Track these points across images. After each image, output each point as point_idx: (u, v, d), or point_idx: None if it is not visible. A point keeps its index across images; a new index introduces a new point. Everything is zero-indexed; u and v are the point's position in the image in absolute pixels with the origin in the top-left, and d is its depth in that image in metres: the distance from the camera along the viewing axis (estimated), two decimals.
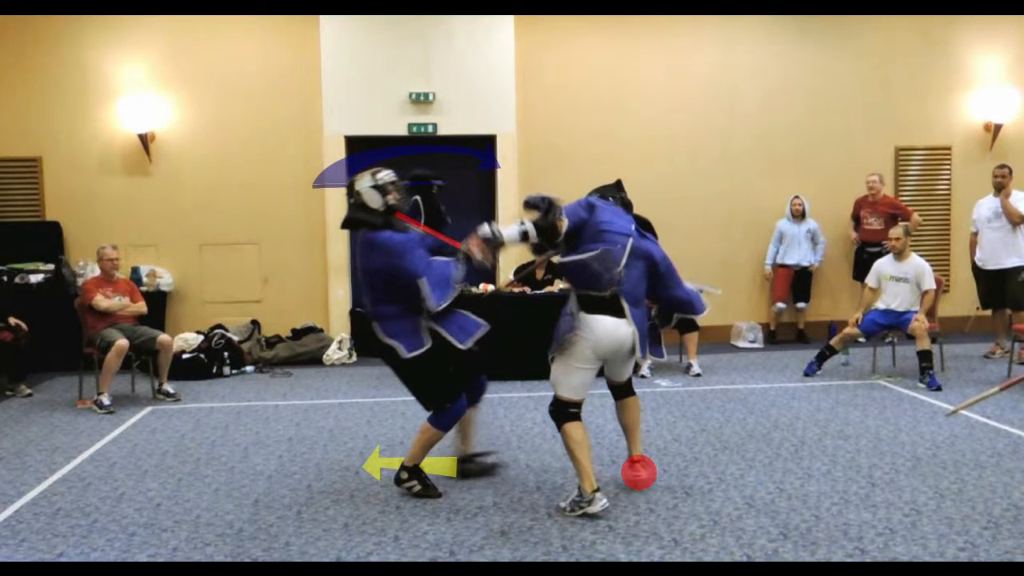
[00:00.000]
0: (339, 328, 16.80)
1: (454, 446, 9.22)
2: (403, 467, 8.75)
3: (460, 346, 8.55)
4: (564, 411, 8.21)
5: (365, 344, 16.43)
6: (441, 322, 8.57)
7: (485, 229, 8.16)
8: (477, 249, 8.16)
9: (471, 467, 9.34)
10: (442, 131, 16.67)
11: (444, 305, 8.37)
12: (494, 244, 8.17)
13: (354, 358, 16.35)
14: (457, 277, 8.47)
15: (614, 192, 8.89)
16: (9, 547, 7.54)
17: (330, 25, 16.42)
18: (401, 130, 16.62)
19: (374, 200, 8.56)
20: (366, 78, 16.52)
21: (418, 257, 8.41)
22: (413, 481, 8.66)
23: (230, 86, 16.78)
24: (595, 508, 7.94)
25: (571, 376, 8.23)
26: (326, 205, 16.15)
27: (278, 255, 16.82)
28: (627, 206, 8.85)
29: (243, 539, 7.62)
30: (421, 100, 16.52)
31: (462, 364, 8.74)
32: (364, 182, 8.66)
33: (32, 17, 16.23)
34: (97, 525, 8.02)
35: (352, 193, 8.70)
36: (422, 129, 16.60)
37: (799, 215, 17.38)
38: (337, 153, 16.41)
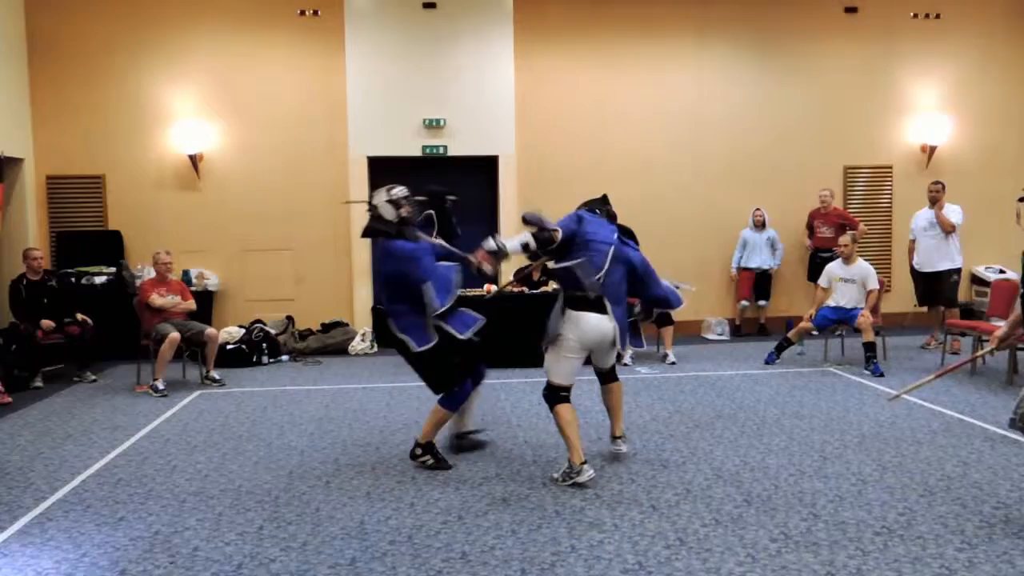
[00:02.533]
0: (362, 322, 16.74)
1: (452, 423, 9.21)
2: (417, 443, 8.76)
3: (460, 337, 8.58)
4: (556, 394, 8.30)
5: (384, 337, 16.49)
6: (445, 318, 8.58)
7: (491, 244, 8.25)
8: (486, 262, 8.30)
9: (465, 442, 9.39)
10: (452, 152, 16.67)
11: (446, 307, 8.41)
12: (499, 256, 8.32)
13: (375, 349, 16.31)
14: (458, 282, 8.53)
15: (600, 205, 8.99)
16: (76, 512, 7.58)
17: (354, 59, 16.43)
18: (416, 151, 16.63)
19: (388, 212, 8.64)
20: (385, 105, 16.51)
21: (426, 264, 8.47)
22: (427, 456, 8.68)
23: (268, 113, 16.75)
24: (583, 478, 8.01)
25: (561, 364, 8.32)
26: (351, 216, 16.07)
27: (309, 259, 16.80)
28: (611, 217, 8.95)
29: (279, 505, 7.65)
30: (433, 125, 16.52)
31: (465, 353, 8.76)
32: (380, 196, 8.73)
33: (97, 51, 16.32)
34: (153, 493, 8.05)
35: (371, 206, 8.75)
36: (434, 151, 16.61)
37: (760, 224, 17.40)
38: (360, 171, 16.41)
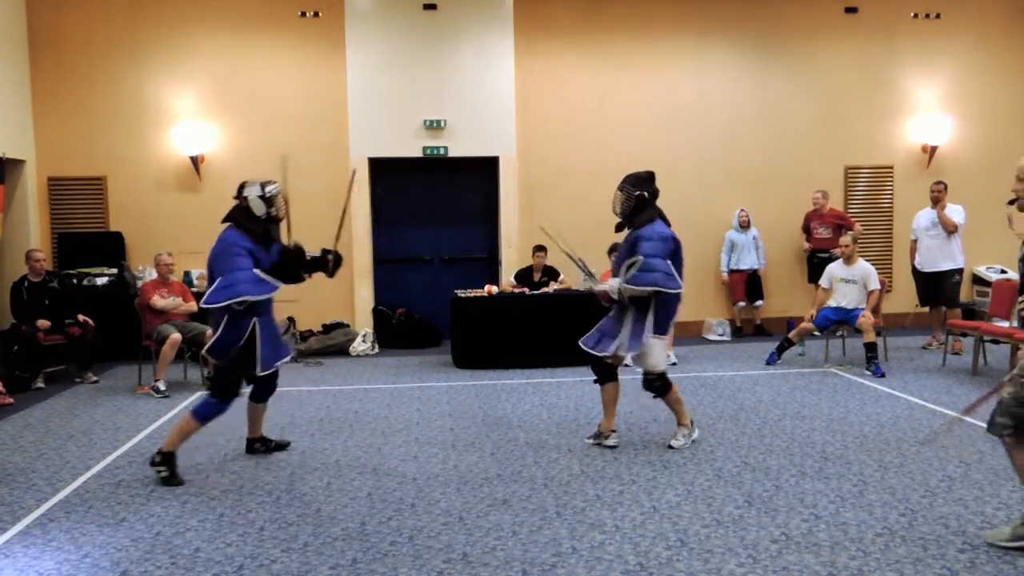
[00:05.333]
0: (363, 323, 16.82)
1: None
2: (160, 451, 8.62)
3: (258, 369, 8.58)
4: (665, 379, 9.15)
5: (386, 337, 16.53)
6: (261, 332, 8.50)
7: (613, 287, 8.92)
8: (603, 299, 9.06)
9: (259, 446, 9.42)
10: (452, 153, 16.74)
11: (212, 306, 8.15)
12: (614, 295, 8.92)
13: (376, 350, 16.41)
14: (246, 292, 8.15)
15: (651, 186, 9.29)
16: (78, 513, 7.57)
17: (355, 60, 16.49)
18: (417, 152, 16.69)
19: (259, 208, 8.44)
20: (386, 106, 16.57)
21: (235, 258, 8.25)
22: (164, 467, 8.44)
23: (269, 114, 16.77)
24: (696, 434, 9.45)
25: (664, 353, 9.19)
26: (352, 218, 16.09)
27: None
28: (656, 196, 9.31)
29: (280, 506, 7.65)
30: (434, 126, 16.58)
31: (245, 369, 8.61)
32: (253, 191, 8.53)
33: (97, 53, 16.35)
34: (155, 494, 8.04)
35: (240, 197, 8.57)
36: (435, 151, 16.66)
37: (745, 225, 17.47)
38: (361, 173, 16.38)
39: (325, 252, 8.91)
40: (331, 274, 8.91)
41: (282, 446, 9.49)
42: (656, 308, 8.93)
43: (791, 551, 6.44)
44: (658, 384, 9.16)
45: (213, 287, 8.15)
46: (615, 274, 9.19)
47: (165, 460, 8.41)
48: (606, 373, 9.38)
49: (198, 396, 12.36)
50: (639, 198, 9.07)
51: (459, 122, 16.72)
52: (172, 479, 8.35)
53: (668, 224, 9.17)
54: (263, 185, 8.49)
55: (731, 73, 18.03)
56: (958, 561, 6.20)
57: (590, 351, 9.24)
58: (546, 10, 17.33)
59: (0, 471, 8.92)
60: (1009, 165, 7.58)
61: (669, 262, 8.88)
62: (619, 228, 9.32)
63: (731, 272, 17.61)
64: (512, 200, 16.89)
